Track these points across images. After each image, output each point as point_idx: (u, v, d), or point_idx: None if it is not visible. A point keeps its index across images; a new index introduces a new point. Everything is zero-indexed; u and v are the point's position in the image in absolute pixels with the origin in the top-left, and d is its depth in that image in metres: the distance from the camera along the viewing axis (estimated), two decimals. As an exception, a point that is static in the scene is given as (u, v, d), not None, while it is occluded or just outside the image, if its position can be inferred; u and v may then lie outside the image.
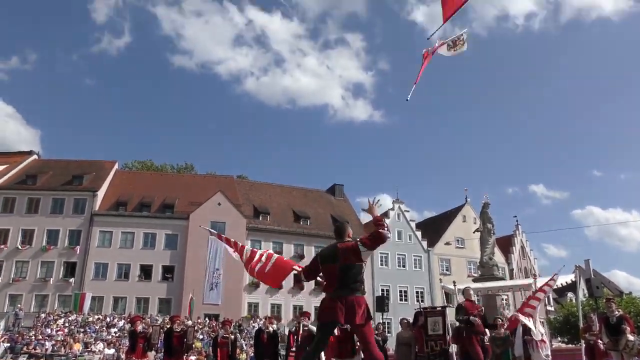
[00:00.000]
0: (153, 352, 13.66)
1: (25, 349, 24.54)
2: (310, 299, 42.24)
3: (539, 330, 11.02)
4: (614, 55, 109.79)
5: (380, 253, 45.54)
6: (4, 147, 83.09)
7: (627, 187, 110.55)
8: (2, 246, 38.91)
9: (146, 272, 40.44)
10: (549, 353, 11.09)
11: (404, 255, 46.98)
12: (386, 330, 24.42)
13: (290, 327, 16.99)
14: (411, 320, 12.00)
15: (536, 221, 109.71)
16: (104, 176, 44.59)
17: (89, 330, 29.28)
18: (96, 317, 32.81)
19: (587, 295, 29.25)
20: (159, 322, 27.08)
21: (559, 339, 39.25)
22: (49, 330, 28.39)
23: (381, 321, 19.65)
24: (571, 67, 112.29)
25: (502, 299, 23.16)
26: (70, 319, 31.37)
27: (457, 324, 10.60)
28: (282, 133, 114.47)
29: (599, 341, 10.57)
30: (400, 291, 46.01)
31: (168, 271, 40.80)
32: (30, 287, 38.34)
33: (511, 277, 46.63)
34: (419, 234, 49.00)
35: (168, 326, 13.10)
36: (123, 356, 21.79)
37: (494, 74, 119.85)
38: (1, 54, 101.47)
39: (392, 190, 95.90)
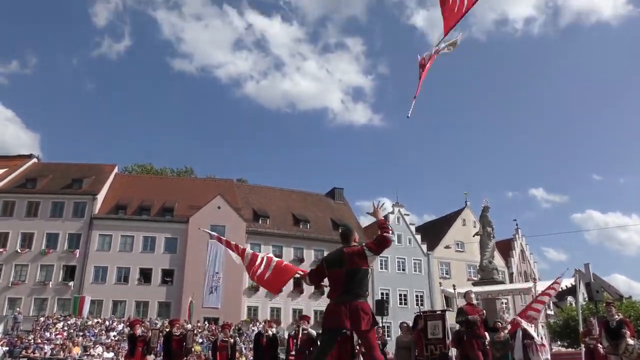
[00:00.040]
0: (152, 356, 13.62)
1: (24, 352, 24.48)
2: (310, 303, 42.24)
3: (540, 334, 11.01)
4: (613, 59, 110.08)
5: (380, 257, 45.28)
6: (4, 150, 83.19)
7: (627, 191, 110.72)
8: (2, 250, 38.89)
9: (145, 275, 40.40)
10: (549, 357, 11.10)
11: (404, 258, 46.95)
12: (386, 334, 24.42)
13: (290, 330, 16.98)
14: (411, 324, 11.99)
15: (536, 225, 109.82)
16: (103, 180, 44.59)
17: (88, 333, 29.22)
18: (95, 320, 32.76)
19: (587, 299, 29.22)
20: (158, 326, 26.97)
21: (559, 342, 39.18)
22: (48, 334, 28.36)
23: (381, 325, 19.61)
24: (570, 71, 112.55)
25: (502, 303, 23.11)
26: (69, 322, 31.33)
27: (457, 327, 10.60)
28: (282, 137, 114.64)
29: (599, 345, 10.57)
30: (400, 295, 45.98)
31: (167, 275, 40.77)
32: (30, 291, 38.29)
33: (511, 281, 46.51)
34: (418, 237, 48.98)
35: (167, 330, 13.07)
36: (122, 360, 21.77)
37: (494, 78, 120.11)
38: (1, 57, 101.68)
39: (391, 194, 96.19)
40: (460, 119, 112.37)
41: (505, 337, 11.26)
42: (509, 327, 11.63)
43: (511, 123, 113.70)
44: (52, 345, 25.86)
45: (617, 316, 9.96)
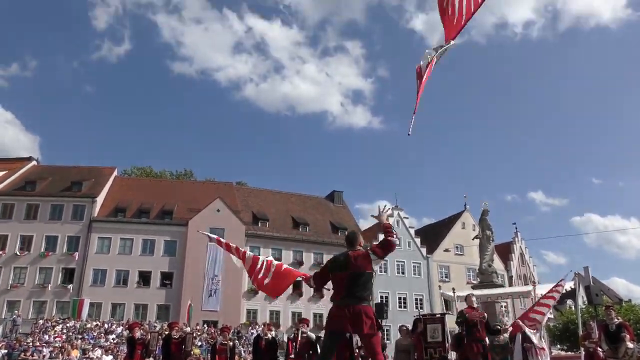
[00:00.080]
0: (151, 359, 13.61)
1: (22, 355, 24.44)
2: (309, 306, 42.21)
3: (541, 337, 10.97)
4: (612, 62, 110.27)
5: (379, 260, 45.40)
6: (3, 153, 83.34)
7: (626, 194, 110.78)
8: (1, 252, 38.84)
9: (145, 278, 40.37)
10: (549, 360, 11.06)
11: (403, 262, 46.92)
12: (385, 337, 24.40)
13: (289, 334, 16.96)
14: (410, 327, 11.97)
15: (535, 228, 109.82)
16: (103, 182, 44.58)
17: (87, 336, 29.17)
18: (94, 323, 32.71)
19: (586, 302, 29.18)
20: (157, 329, 26.95)
21: (559, 346, 39.10)
22: (46, 337, 28.29)
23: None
24: (570, 75, 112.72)
25: (501, 306, 23.11)
26: (68, 325, 31.27)
27: (457, 330, 10.58)
28: (281, 140, 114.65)
29: (599, 349, 10.54)
30: (399, 298, 45.94)
31: (167, 278, 40.73)
32: (29, 294, 38.25)
33: (510, 284, 46.55)
34: (418, 240, 48.96)
35: (166, 333, 13.07)
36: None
37: (493, 82, 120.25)
38: (1, 60, 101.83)
39: (391, 197, 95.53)
40: (459, 122, 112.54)
41: (505, 340, 11.24)
42: (509, 329, 11.58)
43: (510, 126, 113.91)
44: (51, 348, 25.78)
45: (616, 320, 9.94)
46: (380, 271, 45.76)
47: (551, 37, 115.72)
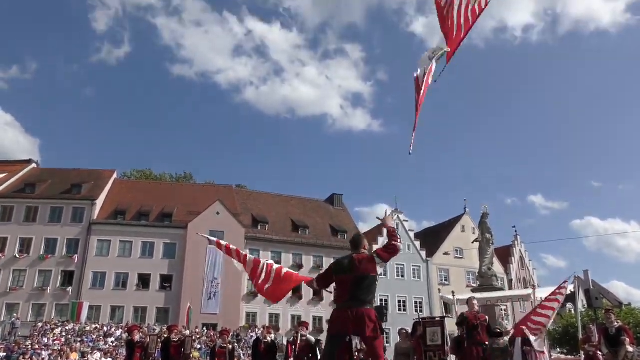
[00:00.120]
0: (150, 362, 13.57)
1: (21, 358, 24.36)
2: (309, 309, 42.17)
3: (543, 341, 10.91)
4: (611, 67, 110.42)
5: (379, 263, 45.40)
6: (3, 155, 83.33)
7: (626, 197, 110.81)
8: (0, 255, 38.78)
9: (144, 281, 40.32)
10: (548, 364, 11.04)
11: (403, 265, 46.89)
12: (384, 340, 24.33)
13: (289, 337, 16.94)
14: (410, 331, 11.95)
15: (535, 231, 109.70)
16: (102, 185, 44.56)
17: (86, 339, 29.13)
18: (93, 326, 32.65)
19: (586, 306, 29.14)
20: (156, 332, 26.92)
21: (558, 350, 39.06)
22: (45, 340, 28.25)
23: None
24: (569, 79, 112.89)
25: (501, 310, 23.08)
26: (67, 328, 31.23)
27: (456, 334, 10.56)
28: (281, 142, 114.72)
29: (598, 352, 10.52)
30: (399, 301, 45.90)
31: (166, 280, 40.67)
32: (28, 296, 38.17)
33: (510, 288, 46.45)
34: (417, 244, 48.94)
35: (166, 336, 13.03)
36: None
37: (493, 85, 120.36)
38: (1, 62, 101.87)
39: (390, 200, 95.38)
40: (459, 125, 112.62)
41: (505, 344, 11.21)
42: (511, 332, 11.50)
43: (510, 130, 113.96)
44: (50, 351, 25.74)
45: (616, 323, 9.94)
46: (380, 274, 45.48)
47: (551, 41, 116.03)
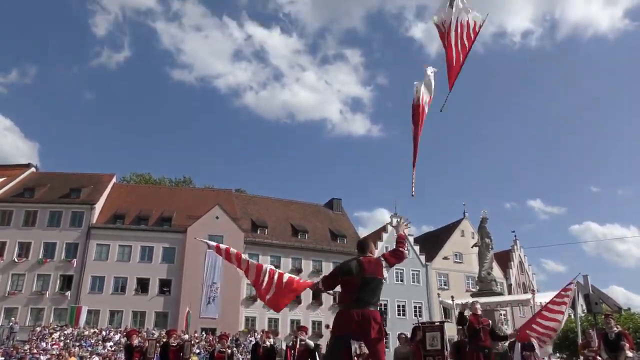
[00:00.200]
0: (149, 367, 13.53)
1: (19, 363, 24.34)
2: (308, 313, 42.10)
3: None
4: (610, 72, 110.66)
5: (378, 267, 45.31)
6: (2, 160, 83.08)
7: (625, 202, 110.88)
8: (-1, 259, 38.75)
9: (143, 285, 40.24)
10: (548, 369, 11.00)
11: (402, 269, 46.82)
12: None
13: (288, 341, 16.90)
14: (409, 335, 11.93)
15: (534, 236, 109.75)
16: (101, 189, 44.53)
17: (84, 344, 29.05)
18: (92, 330, 32.56)
19: (585, 311, 29.14)
20: (155, 336, 26.84)
21: (558, 355, 38.99)
22: (44, 344, 28.17)
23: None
24: (568, 84, 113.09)
25: (501, 314, 23.09)
26: (65, 332, 31.14)
27: (456, 338, 10.52)
28: (281, 147, 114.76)
29: (598, 357, 10.50)
30: (398, 306, 45.83)
31: (165, 285, 40.61)
32: (26, 300, 38.08)
33: (509, 292, 46.47)
34: (417, 248, 48.90)
35: (164, 340, 12.99)
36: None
37: (492, 90, 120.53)
38: (1, 67, 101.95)
39: (390, 205, 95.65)
40: (458, 129, 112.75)
41: (504, 348, 11.20)
42: (516, 335, 11.41)
43: (509, 135, 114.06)
44: (48, 356, 25.66)
45: (615, 328, 9.92)
46: (380, 279, 45.67)
47: (549, 47, 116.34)
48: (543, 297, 15.97)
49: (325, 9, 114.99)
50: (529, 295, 18.40)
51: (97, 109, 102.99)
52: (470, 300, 14.76)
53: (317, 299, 42.39)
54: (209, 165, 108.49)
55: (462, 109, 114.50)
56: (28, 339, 30.01)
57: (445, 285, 47.55)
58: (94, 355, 26.45)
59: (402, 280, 46.83)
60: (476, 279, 24.69)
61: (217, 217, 42.40)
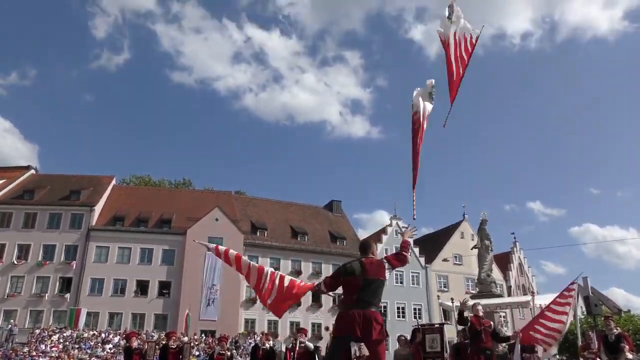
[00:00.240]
0: (148, 369, 13.51)
1: (19, 365, 24.32)
2: (308, 315, 42.05)
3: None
4: (609, 74, 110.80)
5: (378, 269, 45.29)
6: (2, 162, 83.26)
7: (624, 204, 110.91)
8: (-2, 261, 38.70)
9: (142, 287, 40.20)
10: (548, 371, 10.98)
11: (402, 271, 46.78)
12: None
13: (287, 343, 16.88)
14: (409, 337, 11.91)
15: (534, 238, 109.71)
16: (101, 191, 44.51)
17: (83, 346, 29.02)
18: (91, 333, 32.54)
19: (585, 312, 29.10)
20: (154, 338, 26.81)
21: (558, 356, 38.99)
22: (43, 347, 28.13)
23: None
24: (567, 86, 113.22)
25: (500, 316, 23.07)
26: (65, 334, 31.10)
27: (455, 340, 10.50)
28: (280, 149, 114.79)
29: (598, 359, 10.50)
30: (398, 308, 45.79)
31: (164, 287, 40.56)
32: (25, 303, 38.03)
33: (509, 294, 46.45)
34: (416, 250, 48.85)
35: (164, 342, 12.99)
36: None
37: (491, 92, 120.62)
38: (1, 69, 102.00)
39: (389, 207, 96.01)
40: (458, 131, 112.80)
41: (504, 350, 11.18)
42: (518, 338, 11.33)
43: (509, 136, 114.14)
44: (48, 358, 25.66)
45: (615, 330, 9.92)
46: (380, 281, 45.63)
47: (549, 48, 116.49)
48: (543, 299, 15.97)
49: (324, 10, 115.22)
50: (528, 297, 18.41)
51: (96, 111, 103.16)
52: (468, 297, 14.73)
53: (317, 301, 42.37)
54: (209, 167, 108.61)
55: (462, 111, 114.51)
56: (27, 341, 29.99)
57: (444, 287, 47.53)
58: (93, 358, 26.45)
59: (401, 282, 46.81)
60: (476, 280, 24.67)
61: (216, 219, 42.38)
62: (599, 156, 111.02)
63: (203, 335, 35.11)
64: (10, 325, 32.14)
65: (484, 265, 22.97)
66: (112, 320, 38.59)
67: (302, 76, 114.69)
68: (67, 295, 38.45)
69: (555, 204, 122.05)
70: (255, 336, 33.77)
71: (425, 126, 6.26)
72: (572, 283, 11.88)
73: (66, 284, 39.19)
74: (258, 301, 38.74)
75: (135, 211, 43.39)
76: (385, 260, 5.10)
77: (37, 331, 31.94)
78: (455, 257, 49.49)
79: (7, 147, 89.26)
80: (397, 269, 5.44)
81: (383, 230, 50.10)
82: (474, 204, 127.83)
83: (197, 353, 27.53)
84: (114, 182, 48.29)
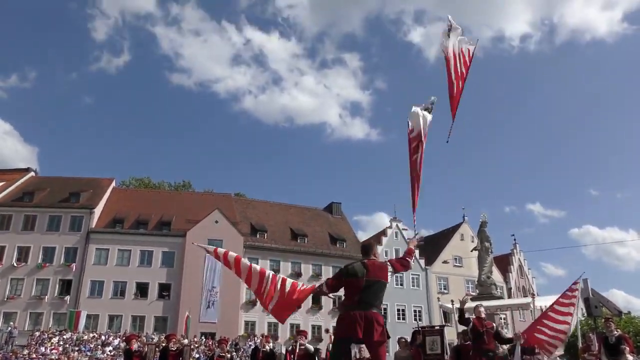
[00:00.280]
0: (148, 371, 13.49)
1: (18, 367, 24.28)
2: (308, 318, 41.99)
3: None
4: (608, 75, 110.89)
5: (378, 271, 45.28)
6: (2, 164, 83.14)
7: (624, 206, 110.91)
8: (-2, 263, 38.67)
9: (142, 290, 40.15)
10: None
11: (402, 273, 46.69)
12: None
13: (287, 346, 16.87)
14: (409, 339, 11.91)
15: (534, 240, 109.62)
16: (101, 193, 44.50)
17: (83, 348, 28.99)
18: (91, 335, 32.49)
19: (585, 314, 29.07)
20: (154, 341, 26.81)
21: (558, 358, 39.00)
22: (43, 349, 28.11)
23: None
24: (567, 88, 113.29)
25: (501, 318, 23.07)
26: (65, 337, 31.07)
27: (455, 342, 10.49)
28: (280, 151, 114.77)
29: (598, 361, 10.49)
30: (398, 310, 45.75)
31: (164, 289, 40.52)
32: (25, 305, 37.99)
33: (509, 296, 46.41)
34: (416, 252, 48.71)
35: (164, 345, 12.98)
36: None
37: (490, 94, 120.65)
38: (0, 71, 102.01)
39: (389, 209, 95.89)
40: (457, 133, 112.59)
41: (504, 352, 11.17)
42: (522, 339, 11.29)
43: (509, 138, 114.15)
44: (47, 360, 25.63)
45: (616, 332, 9.92)
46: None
47: (548, 51, 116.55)
48: (543, 301, 15.98)
49: (323, 13, 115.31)
50: (528, 299, 18.40)
51: (96, 113, 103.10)
52: (469, 299, 14.71)
53: (317, 303, 42.32)
54: (209, 170, 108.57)
55: (462, 113, 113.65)
56: (27, 343, 29.97)
57: (445, 289, 47.49)
58: (93, 360, 26.41)
59: (401, 284, 46.77)
60: (476, 282, 24.68)
61: (216, 221, 42.36)
62: (598, 158, 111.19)
63: (203, 337, 35.08)
64: (10, 328, 32.09)
65: (484, 267, 23.00)
66: (112, 322, 38.54)
67: (302, 78, 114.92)
68: (67, 298, 38.41)
69: (555, 206, 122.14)
70: (256, 338, 33.68)
71: (424, 147, 6.36)
72: (575, 283, 11.84)
73: (66, 286, 39.14)
74: (258, 303, 38.77)
75: (135, 213, 43.37)
76: (389, 264, 5.14)
77: (37, 333, 31.90)
78: (455, 259, 49.45)
79: (7, 149, 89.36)
80: (401, 272, 5.47)
81: (383, 232, 50.07)
82: (473, 205, 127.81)
83: (197, 355, 27.49)
84: (113, 184, 48.30)
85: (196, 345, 30.27)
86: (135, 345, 12.31)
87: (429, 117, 6.45)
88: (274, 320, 40.62)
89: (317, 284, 5.63)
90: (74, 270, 39.20)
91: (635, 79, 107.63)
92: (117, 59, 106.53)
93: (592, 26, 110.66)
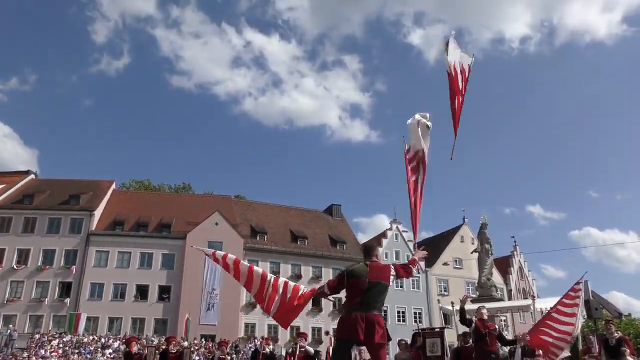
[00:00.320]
0: (148, 374, 13.48)
1: (18, 370, 24.24)
2: (308, 320, 41.92)
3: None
4: (608, 77, 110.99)
5: (378, 273, 45.23)
6: (1, 166, 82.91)
7: (624, 208, 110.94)
8: (-2, 266, 38.64)
9: (142, 292, 40.13)
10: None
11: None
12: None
13: (287, 348, 16.86)
14: (409, 342, 11.90)
15: (534, 242, 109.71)
16: (101, 196, 44.48)
17: (83, 351, 28.95)
18: (91, 337, 32.46)
19: (585, 316, 29.06)
20: (154, 343, 26.76)
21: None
22: (42, 351, 28.08)
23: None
24: (566, 89, 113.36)
25: (501, 320, 23.03)
26: (64, 339, 31.03)
27: (456, 344, 10.48)
28: (280, 153, 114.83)
29: (599, 363, 10.47)
30: (398, 312, 45.71)
31: (164, 291, 40.51)
32: (25, 307, 37.96)
33: (509, 298, 46.35)
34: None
35: (164, 347, 12.96)
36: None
37: (490, 96, 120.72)
38: (0, 74, 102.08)
39: (389, 211, 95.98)
40: (457, 135, 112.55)
41: (505, 354, 11.16)
42: (527, 339, 11.25)
43: (508, 140, 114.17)
44: (47, 363, 25.60)
45: (616, 334, 9.90)
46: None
47: (547, 52, 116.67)
48: (543, 303, 15.96)
49: (324, 15, 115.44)
50: (529, 301, 18.38)
51: (96, 115, 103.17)
52: (468, 299, 14.70)
53: (317, 306, 42.28)
54: (208, 172, 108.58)
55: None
56: (27, 346, 29.93)
57: (445, 291, 47.46)
58: (93, 363, 26.37)
59: (401, 286, 46.67)
60: (476, 284, 24.63)
61: (216, 224, 42.35)
62: (598, 159, 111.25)
63: (203, 339, 35.00)
64: (9, 330, 32.01)
65: (484, 269, 22.97)
66: (111, 324, 38.50)
67: (302, 80, 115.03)
68: (67, 300, 38.39)
69: (555, 208, 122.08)
70: (256, 340, 33.62)
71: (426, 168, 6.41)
72: (578, 283, 11.79)
73: (66, 289, 39.12)
74: (258, 306, 38.68)
75: (135, 215, 43.36)
76: (392, 267, 5.15)
77: (37, 336, 31.87)
78: (456, 261, 49.43)
79: (7, 152, 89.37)
80: (403, 278, 5.49)
81: (383, 234, 50.06)
82: (473, 207, 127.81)
83: (197, 358, 27.45)
84: (113, 186, 48.28)
85: (196, 348, 30.22)
86: (135, 348, 12.32)
87: (428, 139, 6.49)
88: (274, 322, 40.66)
89: (318, 287, 5.62)
90: (74, 272, 39.18)
91: (635, 81, 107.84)
92: (117, 61, 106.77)
93: (591, 28, 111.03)
